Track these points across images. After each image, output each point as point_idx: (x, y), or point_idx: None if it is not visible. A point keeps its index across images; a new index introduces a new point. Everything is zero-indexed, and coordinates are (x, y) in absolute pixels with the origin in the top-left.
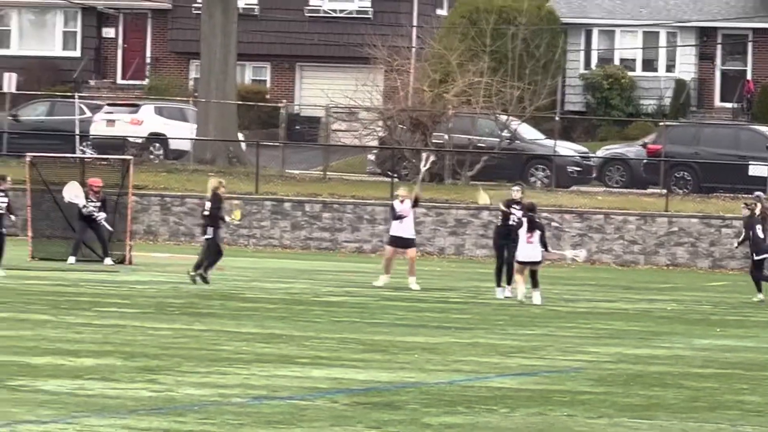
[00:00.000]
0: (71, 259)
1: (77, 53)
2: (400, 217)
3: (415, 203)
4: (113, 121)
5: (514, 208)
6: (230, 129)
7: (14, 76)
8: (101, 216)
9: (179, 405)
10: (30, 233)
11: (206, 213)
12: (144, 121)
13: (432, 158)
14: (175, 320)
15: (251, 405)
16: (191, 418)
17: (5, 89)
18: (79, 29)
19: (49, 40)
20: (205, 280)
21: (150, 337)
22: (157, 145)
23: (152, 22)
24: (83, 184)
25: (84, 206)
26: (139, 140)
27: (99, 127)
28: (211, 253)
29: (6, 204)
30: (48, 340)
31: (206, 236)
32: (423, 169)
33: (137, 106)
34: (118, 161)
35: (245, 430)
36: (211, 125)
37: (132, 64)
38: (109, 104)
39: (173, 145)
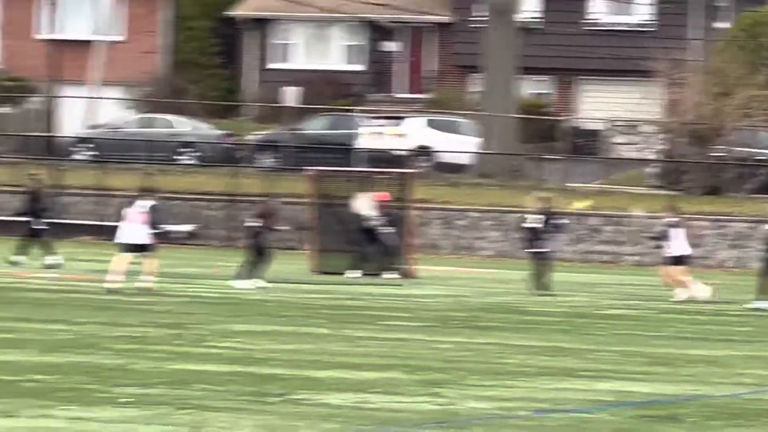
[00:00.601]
0: (354, 273)
1: (359, 67)
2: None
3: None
4: (380, 134)
5: None
6: (512, 142)
7: (295, 89)
8: (386, 230)
9: (462, 418)
10: (311, 247)
11: (532, 226)
12: (408, 134)
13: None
14: (458, 333)
15: (534, 418)
16: None
17: (288, 103)
18: (361, 43)
19: (332, 54)
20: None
21: (433, 350)
22: (425, 157)
23: (434, 36)
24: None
25: (370, 219)
26: (405, 153)
27: (366, 141)
28: (543, 267)
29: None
30: (329, 353)
31: (535, 250)
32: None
33: (402, 119)
34: (398, 175)
35: None
36: (493, 139)
37: (414, 78)
38: (376, 117)
39: (448, 158)
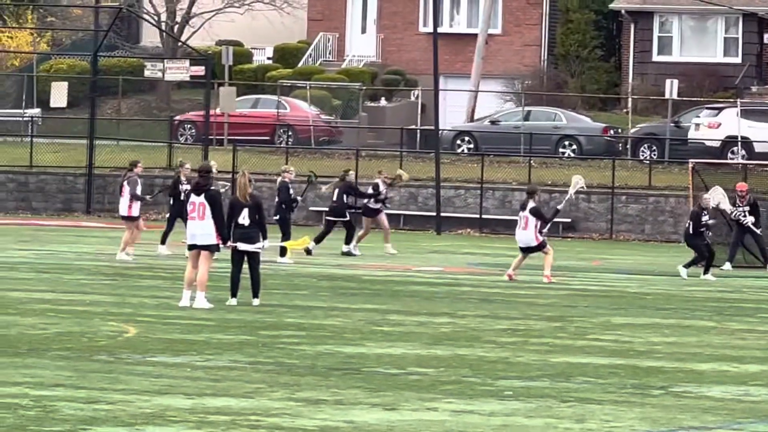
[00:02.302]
0: (727, 265)
1: (738, 59)
2: None
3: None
4: (698, 125)
5: None
6: None
7: (675, 82)
8: (748, 220)
9: None
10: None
11: None
12: (722, 123)
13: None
14: None
15: None
16: None
17: (667, 95)
18: (739, 35)
19: (710, 46)
20: None
21: None
22: (736, 149)
23: None
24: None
25: (731, 212)
26: (716, 144)
27: (691, 132)
28: None
29: None
30: (712, 346)
31: None
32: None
33: (720, 108)
34: None
35: None
36: None
37: None
38: (708, 108)
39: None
